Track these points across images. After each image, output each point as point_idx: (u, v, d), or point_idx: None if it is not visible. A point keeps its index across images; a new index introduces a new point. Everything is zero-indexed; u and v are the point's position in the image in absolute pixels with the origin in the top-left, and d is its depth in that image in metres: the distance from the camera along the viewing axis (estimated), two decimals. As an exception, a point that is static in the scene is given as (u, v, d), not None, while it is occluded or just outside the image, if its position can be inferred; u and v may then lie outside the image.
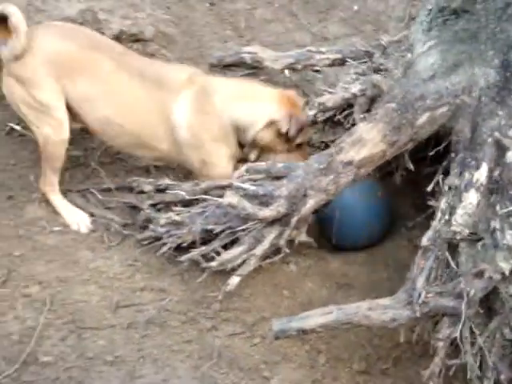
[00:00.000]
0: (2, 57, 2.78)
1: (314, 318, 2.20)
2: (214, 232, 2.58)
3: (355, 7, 4.35)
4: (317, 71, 3.59)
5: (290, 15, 4.16)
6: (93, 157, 3.19)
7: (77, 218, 2.91)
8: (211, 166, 2.80)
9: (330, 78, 3.75)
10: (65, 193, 2.98)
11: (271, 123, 2.74)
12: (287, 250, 2.64)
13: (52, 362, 2.34)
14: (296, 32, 4.08)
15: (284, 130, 2.72)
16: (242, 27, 3.95)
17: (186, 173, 3.10)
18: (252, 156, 2.88)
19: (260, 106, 2.77)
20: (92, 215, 2.94)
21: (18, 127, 3.21)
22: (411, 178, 2.87)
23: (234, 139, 2.80)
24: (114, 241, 2.85)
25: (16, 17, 2.65)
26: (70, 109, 2.84)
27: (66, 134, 2.84)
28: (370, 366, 2.56)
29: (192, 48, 3.72)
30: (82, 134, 3.23)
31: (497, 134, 2.31)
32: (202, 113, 2.76)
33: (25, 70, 2.75)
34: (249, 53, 3.55)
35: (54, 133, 2.82)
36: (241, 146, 2.85)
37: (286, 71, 3.60)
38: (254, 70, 3.54)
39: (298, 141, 2.81)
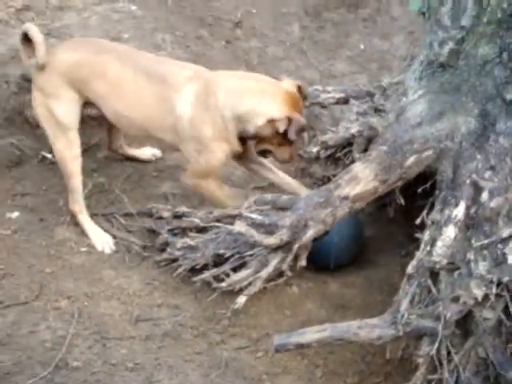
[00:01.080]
0: (31, 71, 3.06)
1: (311, 334, 2.42)
2: (225, 256, 2.78)
3: (361, 46, 4.51)
4: (323, 107, 3.83)
5: (300, 53, 4.34)
6: (116, 184, 3.38)
7: (102, 240, 3.09)
8: (203, 157, 2.91)
9: (335, 113, 3.98)
10: (91, 216, 3.16)
11: (271, 121, 2.81)
12: (290, 274, 2.82)
13: (81, 366, 2.49)
14: (305, 69, 4.27)
15: (281, 130, 2.80)
16: (255, 64, 4.14)
17: (200, 200, 3.30)
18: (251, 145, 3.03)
19: (262, 103, 2.82)
20: (115, 237, 3.11)
21: (49, 155, 3.42)
22: (405, 210, 3.04)
23: (235, 134, 2.89)
24: (135, 261, 3.02)
25: (33, 31, 2.95)
26: (93, 104, 3.06)
27: (76, 152, 3.06)
28: (362, 380, 2.71)
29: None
30: (106, 162, 3.47)
31: (474, 175, 2.55)
32: (203, 107, 2.85)
33: (46, 82, 3.00)
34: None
35: (65, 149, 3.04)
36: (242, 140, 2.95)
37: (296, 107, 3.84)
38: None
39: (291, 138, 2.88)
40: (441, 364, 2.42)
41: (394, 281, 3.05)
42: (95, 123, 3.55)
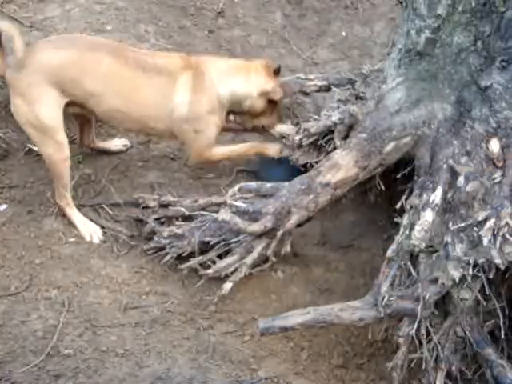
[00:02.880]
0: (8, 76, 2.88)
1: (294, 318, 2.51)
2: (211, 244, 2.85)
3: (343, 33, 4.53)
4: (306, 94, 3.87)
5: (283, 41, 4.33)
6: (103, 174, 3.39)
7: (90, 230, 3.13)
8: (202, 134, 3.09)
9: (318, 100, 4.03)
10: (78, 207, 3.19)
11: (263, 93, 3.12)
12: (274, 259, 2.90)
13: (72, 354, 2.56)
14: (288, 57, 4.25)
15: (277, 98, 3.13)
16: (238, 53, 4.11)
17: (186, 189, 3.38)
18: (248, 123, 3.30)
19: (252, 80, 3.13)
20: (102, 227, 3.15)
21: (35, 148, 3.35)
22: (387, 195, 3.12)
23: (224, 110, 3.14)
24: (122, 250, 3.08)
25: (4, 26, 2.85)
26: (77, 104, 3.01)
27: (66, 153, 3.02)
28: (347, 361, 2.82)
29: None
30: (92, 153, 3.47)
31: (451, 161, 2.62)
32: (200, 91, 3.04)
33: (27, 84, 2.87)
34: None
35: (54, 153, 3.00)
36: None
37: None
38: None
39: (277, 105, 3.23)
40: (420, 343, 2.50)
41: (377, 264, 3.10)
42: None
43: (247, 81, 3.14)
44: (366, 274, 3.16)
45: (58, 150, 3.02)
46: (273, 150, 3.27)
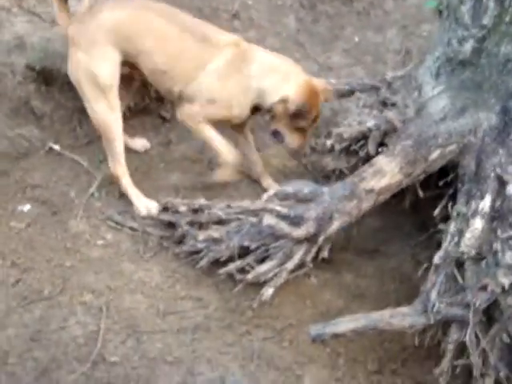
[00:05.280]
0: (71, 32, 2.99)
1: (346, 324, 2.49)
2: (250, 248, 2.81)
3: (356, 39, 4.59)
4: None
5: (297, 45, 4.34)
6: None
7: (146, 203, 3.11)
8: (216, 109, 3.08)
9: (333, 105, 4.03)
10: (102, 212, 3.16)
11: (284, 100, 3.04)
12: (311, 265, 2.89)
13: (119, 361, 2.50)
14: (303, 61, 4.17)
15: (290, 109, 3.04)
16: None
17: (213, 193, 3.29)
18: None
19: (283, 84, 3.07)
20: (132, 229, 3.08)
21: (56, 146, 3.41)
22: (414, 202, 3.13)
23: (249, 103, 3.12)
24: (152, 253, 3.01)
25: None
26: (129, 64, 3.10)
27: (118, 114, 3.05)
28: (382, 366, 2.80)
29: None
30: None
31: (498, 170, 2.64)
32: (235, 71, 3.06)
33: (90, 41, 2.98)
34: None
35: (107, 111, 3.02)
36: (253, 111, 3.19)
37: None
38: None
39: (301, 124, 3.12)
40: (467, 350, 2.51)
41: (406, 270, 3.17)
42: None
43: (279, 82, 3.08)
44: (395, 280, 3.16)
45: (110, 108, 3.03)
46: (223, 168, 3.20)
